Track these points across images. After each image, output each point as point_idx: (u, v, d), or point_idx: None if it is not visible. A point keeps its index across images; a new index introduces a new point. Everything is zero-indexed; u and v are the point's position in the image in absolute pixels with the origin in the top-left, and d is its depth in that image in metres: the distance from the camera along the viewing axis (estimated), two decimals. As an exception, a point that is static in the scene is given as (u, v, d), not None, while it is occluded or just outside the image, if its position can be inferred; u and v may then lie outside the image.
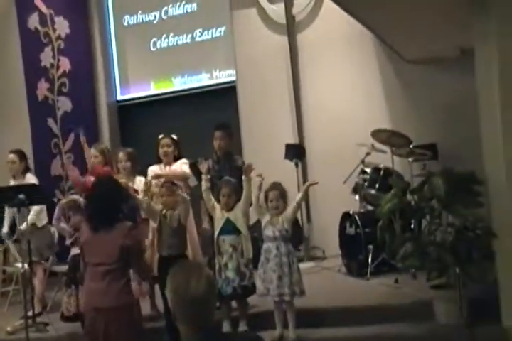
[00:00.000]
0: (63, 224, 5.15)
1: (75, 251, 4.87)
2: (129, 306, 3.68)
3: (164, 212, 4.71)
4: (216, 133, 5.34)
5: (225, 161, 5.38)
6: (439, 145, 6.36)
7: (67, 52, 8.07)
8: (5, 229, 5.90)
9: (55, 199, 7.05)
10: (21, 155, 5.95)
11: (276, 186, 4.59)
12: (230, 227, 4.64)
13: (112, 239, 3.66)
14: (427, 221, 4.84)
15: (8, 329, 5.19)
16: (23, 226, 5.66)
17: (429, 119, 6.62)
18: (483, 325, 4.16)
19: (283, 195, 4.57)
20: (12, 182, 5.89)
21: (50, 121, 8.05)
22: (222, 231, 4.66)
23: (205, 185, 4.76)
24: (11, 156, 5.88)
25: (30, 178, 5.83)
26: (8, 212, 5.86)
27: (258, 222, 5.11)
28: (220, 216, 4.69)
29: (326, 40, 7.12)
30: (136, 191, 5.18)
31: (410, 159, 5.98)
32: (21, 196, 5.05)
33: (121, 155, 5.42)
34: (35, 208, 5.62)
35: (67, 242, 5.03)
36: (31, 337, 4.64)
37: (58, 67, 8.08)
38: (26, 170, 5.94)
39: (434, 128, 6.53)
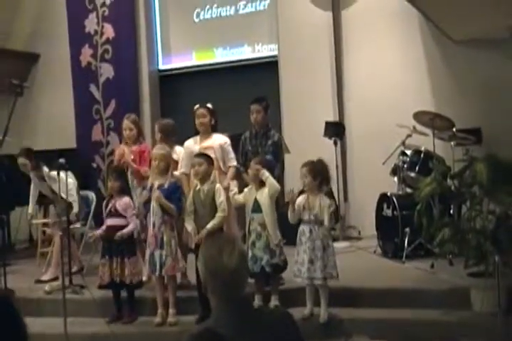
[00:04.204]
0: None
1: (110, 222, 4.91)
2: None
3: (198, 187, 4.70)
4: (251, 106, 5.35)
5: (262, 136, 5.39)
6: (484, 130, 6.21)
7: (111, 19, 8.08)
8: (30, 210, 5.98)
9: (94, 165, 7.15)
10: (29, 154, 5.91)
11: (308, 163, 4.52)
12: (258, 206, 4.62)
13: None
14: (466, 207, 4.78)
15: (46, 288, 5.33)
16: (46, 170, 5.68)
17: (475, 102, 6.47)
18: (520, 316, 4.12)
19: (313, 172, 4.45)
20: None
21: (93, 87, 8.10)
22: (252, 210, 4.65)
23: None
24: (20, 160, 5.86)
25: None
26: (34, 189, 5.92)
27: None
28: (248, 195, 4.67)
29: (371, 17, 6.98)
30: (176, 162, 5.21)
31: (452, 143, 5.87)
32: (62, 160, 5.12)
33: (156, 126, 5.53)
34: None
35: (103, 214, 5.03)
36: (67, 297, 4.70)
37: (102, 34, 8.12)
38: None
39: (479, 112, 6.38)
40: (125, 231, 4.81)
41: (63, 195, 5.13)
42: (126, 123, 5.59)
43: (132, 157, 5.46)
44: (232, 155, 5.23)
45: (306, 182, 4.47)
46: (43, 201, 6.31)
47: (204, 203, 4.65)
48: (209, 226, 4.57)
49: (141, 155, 5.48)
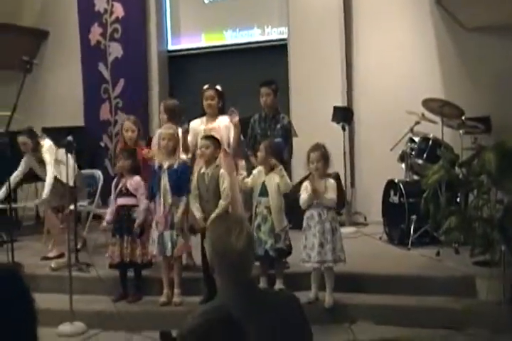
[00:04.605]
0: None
1: (120, 201, 4.91)
2: None
3: (203, 170, 4.69)
4: (261, 89, 5.35)
5: (271, 120, 5.38)
6: (493, 118, 6.18)
7: (121, -3, 8.01)
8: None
9: (102, 144, 7.14)
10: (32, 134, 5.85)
11: (318, 147, 4.52)
12: (265, 190, 4.62)
13: None
14: (474, 195, 4.78)
15: (52, 265, 5.37)
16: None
17: (484, 91, 6.44)
18: (524, 305, 4.14)
19: (324, 157, 4.49)
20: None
21: (101, 66, 8.05)
22: (259, 193, 4.65)
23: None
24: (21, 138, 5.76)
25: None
26: (25, 162, 5.85)
27: (299, 184, 5.13)
28: (257, 177, 4.66)
29: (382, 2, 6.93)
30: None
31: (461, 131, 5.86)
32: (69, 138, 5.12)
33: (161, 106, 5.50)
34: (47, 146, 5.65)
35: (112, 196, 5.01)
36: (73, 275, 4.72)
37: (112, 13, 8.04)
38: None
39: (489, 100, 6.36)
40: (139, 221, 4.81)
41: (64, 179, 5.15)
42: (127, 124, 5.42)
43: None
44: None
45: (317, 167, 4.47)
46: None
47: (208, 187, 4.65)
48: (213, 215, 4.56)
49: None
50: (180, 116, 5.43)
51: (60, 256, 5.61)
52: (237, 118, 4.99)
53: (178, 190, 4.71)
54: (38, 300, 1.58)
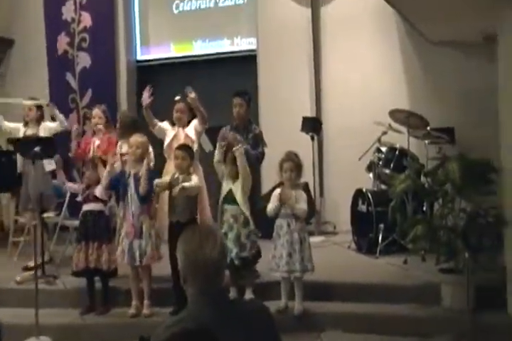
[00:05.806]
0: (70, 183, 5.34)
1: (87, 207, 4.92)
2: None
3: (176, 176, 4.71)
4: (234, 100, 5.37)
5: (243, 130, 5.41)
6: (457, 129, 6.33)
7: (89, 7, 7.97)
8: None
9: (70, 155, 7.05)
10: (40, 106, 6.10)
11: (291, 157, 4.55)
12: (231, 198, 4.64)
13: None
14: (439, 204, 4.87)
15: (18, 279, 5.26)
16: None
17: (449, 103, 6.58)
18: (488, 312, 4.22)
19: (297, 167, 4.52)
20: (22, 129, 6.03)
21: (69, 76, 7.99)
22: (224, 201, 4.68)
23: (218, 156, 4.75)
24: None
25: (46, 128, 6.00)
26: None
27: (269, 193, 5.16)
28: (225, 185, 4.71)
29: (350, 15, 7.05)
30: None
31: (426, 141, 5.99)
32: (37, 149, 5.09)
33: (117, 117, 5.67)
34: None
35: (79, 198, 5.05)
36: (39, 288, 4.64)
37: (79, 22, 8.00)
38: (41, 118, 6.08)
39: (453, 112, 6.50)
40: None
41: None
42: (96, 111, 5.74)
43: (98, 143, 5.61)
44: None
45: (289, 177, 4.50)
46: (16, 190, 6.23)
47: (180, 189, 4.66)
48: (186, 184, 4.61)
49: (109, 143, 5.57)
50: (133, 131, 5.35)
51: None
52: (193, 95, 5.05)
53: (144, 198, 4.71)
54: (1, 315, 1.57)
